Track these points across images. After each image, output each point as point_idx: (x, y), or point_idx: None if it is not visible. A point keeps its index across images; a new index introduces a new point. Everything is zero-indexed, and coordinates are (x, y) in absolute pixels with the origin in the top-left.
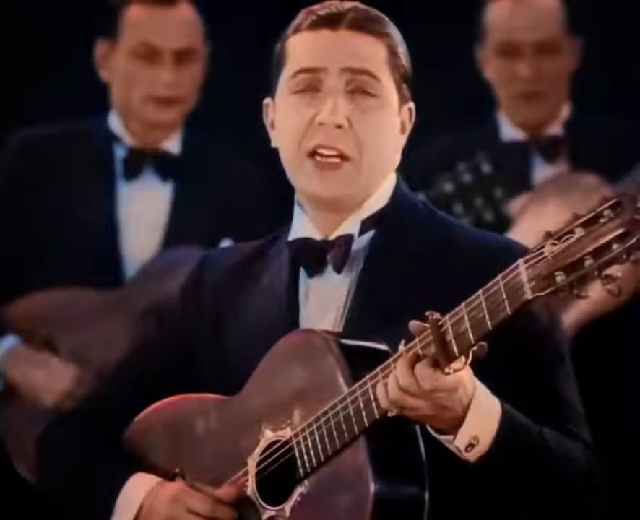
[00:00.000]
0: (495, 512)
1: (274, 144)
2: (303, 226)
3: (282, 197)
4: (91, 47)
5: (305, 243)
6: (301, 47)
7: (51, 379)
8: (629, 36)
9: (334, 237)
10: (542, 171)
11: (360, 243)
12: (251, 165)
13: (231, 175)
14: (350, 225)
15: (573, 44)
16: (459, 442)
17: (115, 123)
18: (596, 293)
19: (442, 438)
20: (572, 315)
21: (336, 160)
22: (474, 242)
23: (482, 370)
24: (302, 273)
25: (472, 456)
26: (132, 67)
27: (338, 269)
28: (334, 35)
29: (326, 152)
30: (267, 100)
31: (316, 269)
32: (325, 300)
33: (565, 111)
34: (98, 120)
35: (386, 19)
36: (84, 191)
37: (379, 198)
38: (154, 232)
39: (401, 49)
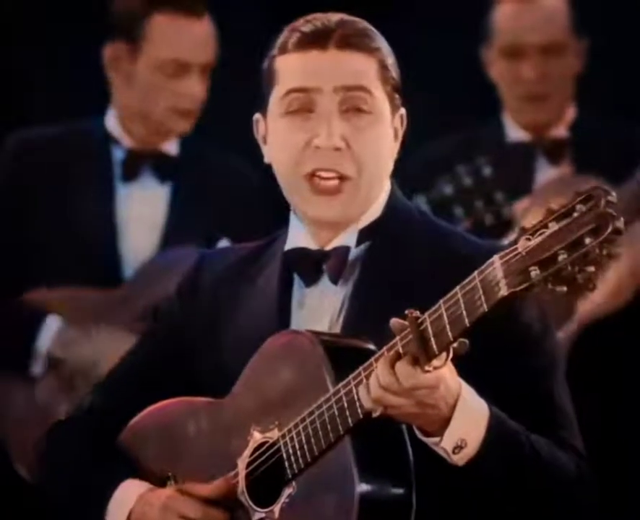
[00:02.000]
0: (482, 515)
1: (267, 160)
2: (299, 235)
3: (280, 198)
4: (91, 47)
5: (301, 252)
6: (291, 68)
7: (100, 352)
8: (634, 38)
9: (331, 248)
10: (545, 173)
11: (356, 253)
12: (249, 165)
13: (229, 176)
14: (347, 237)
15: (578, 46)
16: (445, 444)
17: (112, 124)
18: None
19: (429, 440)
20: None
21: (336, 182)
22: (471, 249)
23: (474, 375)
24: (297, 279)
25: (459, 459)
26: (157, 78)
27: (334, 280)
28: (323, 55)
29: (324, 175)
30: (257, 116)
31: (311, 278)
32: (319, 309)
33: (570, 113)
34: (96, 121)
35: (374, 30)
36: (82, 192)
37: (375, 208)
38: (153, 232)
39: (391, 60)
